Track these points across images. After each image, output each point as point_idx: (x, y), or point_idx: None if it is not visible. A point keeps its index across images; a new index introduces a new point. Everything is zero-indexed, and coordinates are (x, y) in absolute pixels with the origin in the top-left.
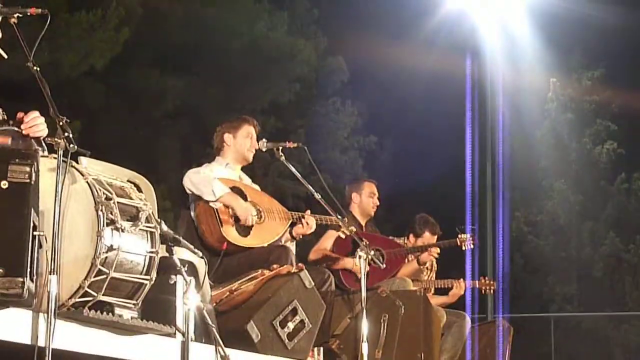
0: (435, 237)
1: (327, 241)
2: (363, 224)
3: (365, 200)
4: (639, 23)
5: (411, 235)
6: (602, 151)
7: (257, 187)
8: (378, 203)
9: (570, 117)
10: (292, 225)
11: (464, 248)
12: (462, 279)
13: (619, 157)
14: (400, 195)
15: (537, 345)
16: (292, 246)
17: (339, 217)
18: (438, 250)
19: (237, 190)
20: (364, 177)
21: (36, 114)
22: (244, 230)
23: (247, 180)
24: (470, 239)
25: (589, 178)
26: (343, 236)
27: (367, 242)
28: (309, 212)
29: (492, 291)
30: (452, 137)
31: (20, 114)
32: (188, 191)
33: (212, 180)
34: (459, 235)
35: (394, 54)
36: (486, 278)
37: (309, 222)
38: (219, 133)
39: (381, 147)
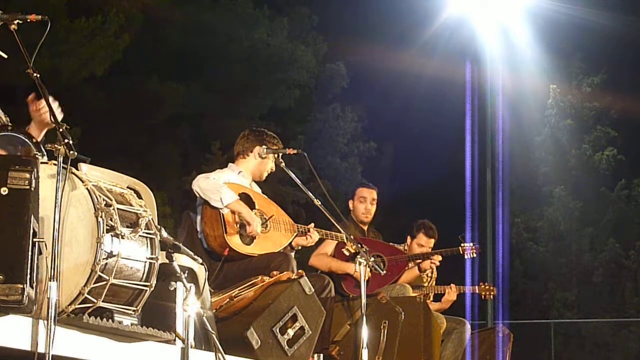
0: (432, 240)
1: (328, 246)
2: (365, 229)
3: (356, 206)
4: (638, 29)
5: (408, 238)
6: (602, 157)
7: (265, 197)
8: (370, 208)
9: (570, 123)
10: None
11: (466, 257)
12: (453, 284)
13: (619, 163)
14: (400, 201)
15: (537, 351)
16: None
17: (346, 234)
18: (440, 258)
19: (245, 197)
20: (363, 183)
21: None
22: (247, 238)
23: (257, 189)
24: (472, 248)
25: (589, 184)
26: (347, 253)
27: (368, 249)
28: (312, 225)
29: (492, 297)
30: (452, 143)
31: (31, 97)
32: (196, 194)
33: (221, 187)
34: (462, 244)
35: (394, 60)
36: (486, 284)
37: (312, 236)
38: (248, 140)
39: (381, 153)
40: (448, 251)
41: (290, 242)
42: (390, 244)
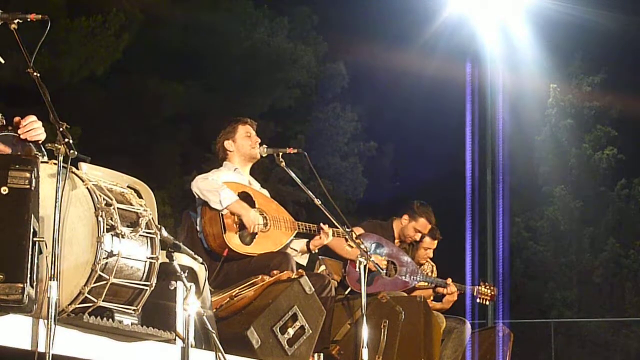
0: (435, 241)
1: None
2: (397, 238)
3: (409, 229)
4: (638, 29)
5: None
6: (602, 157)
7: (266, 192)
8: (417, 239)
9: (570, 122)
10: (302, 236)
11: (479, 300)
12: (450, 279)
13: (619, 163)
14: (400, 200)
15: (537, 350)
16: (305, 258)
17: (347, 229)
18: (455, 290)
19: (245, 196)
20: (426, 205)
21: (33, 118)
22: (247, 238)
23: (256, 185)
24: (492, 294)
25: (589, 184)
26: (349, 249)
27: (367, 248)
28: (327, 226)
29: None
30: (453, 142)
31: (17, 119)
32: (195, 195)
33: (220, 187)
34: (479, 286)
35: (394, 60)
36: (487, 284)
37: (327, 232)
38: (218, 143)
39: (381, 152)
40: (463, 288)
41: (307, 244)
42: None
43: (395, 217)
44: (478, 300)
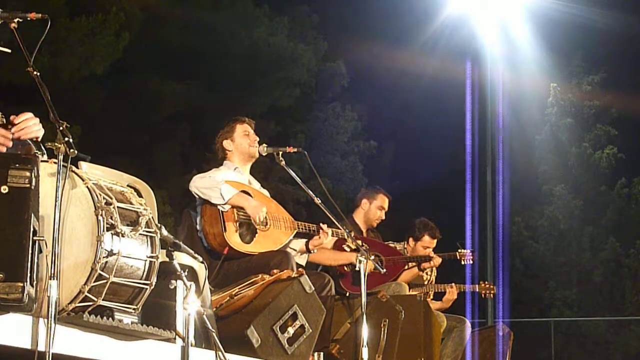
0: (435, 240)
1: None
2: (364, 229)
3: (373, 210)
4: (639, 28)
5: (411, 239)
6: (602, 156)
7: (266, 192)
8: (383, 217)
9: (570, 121)
10: (301, 236)
11: (463, 262)
12: (453, 283)
13: (619, 162)
14: (400, 199)
15: (537, 350)
16: (304, 258)
17: (346, 229)
18: (440, 260)
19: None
20: (376, 186)
21: (28, 115)
22: (247, 236)
23: (256, 184)
24: (470, 254)
25: (589, 183)
26: (348, 249)
27: (368, 247)
28: (326, 226)
29: (492, 296)
30: (453, 141)
31: (12, 117)
32: (195, 195)
33: (220, 183)
34: (459, 250)
35: (394, 59)
36: (486, 283)
37: (327, 232)
38: (218, 143)
39: (381, 151)
40: (446, 256)
41: (307, 244)
42: (390, 243)
43: (353, 212)
44: (462, 262)
